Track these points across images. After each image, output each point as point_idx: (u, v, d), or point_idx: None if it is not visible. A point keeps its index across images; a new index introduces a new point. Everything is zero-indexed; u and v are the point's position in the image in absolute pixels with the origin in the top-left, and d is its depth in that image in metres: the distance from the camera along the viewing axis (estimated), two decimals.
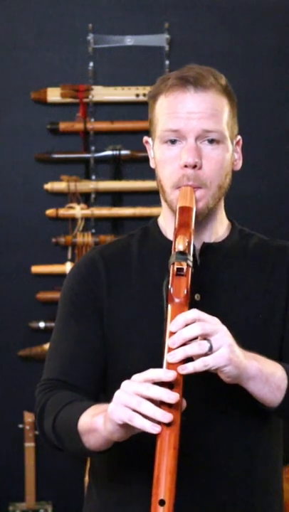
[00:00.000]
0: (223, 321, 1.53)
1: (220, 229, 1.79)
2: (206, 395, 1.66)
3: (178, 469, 1.40)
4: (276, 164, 3.79)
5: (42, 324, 3.68)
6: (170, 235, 1.77)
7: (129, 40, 3.70)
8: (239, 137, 1.78)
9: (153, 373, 1.43)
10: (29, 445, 3.69)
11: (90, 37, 3.67)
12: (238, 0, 3.74)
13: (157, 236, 1.80)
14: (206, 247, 1.75)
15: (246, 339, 1.56)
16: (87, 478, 3.31)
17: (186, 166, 1.68)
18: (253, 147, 3.62)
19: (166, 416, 1.39)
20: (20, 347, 3.71)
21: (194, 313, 1.48)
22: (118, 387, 1.49)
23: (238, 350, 1.51)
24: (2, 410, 3.77)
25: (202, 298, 1.68)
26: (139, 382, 1.43)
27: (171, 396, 1.40)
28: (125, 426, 1.44)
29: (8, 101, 3.72)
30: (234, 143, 1.75)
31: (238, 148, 1.78)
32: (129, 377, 1.50)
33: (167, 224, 1.78)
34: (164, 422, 1.39)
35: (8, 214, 3.74)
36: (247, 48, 3.76)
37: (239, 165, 1.78)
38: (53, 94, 3.67)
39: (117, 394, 1.44)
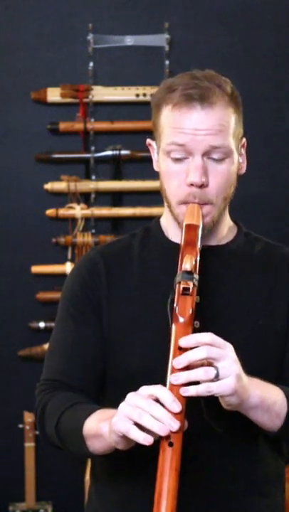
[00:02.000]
0: (221, 324, 1.53)
1: (224, 231, 1.78)
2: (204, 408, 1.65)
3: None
4: (277, 164, 3.79)
5: (42, 324, 3.68)
6: (172, 236, 1.77)
7: (129, 40, 3.69)
8: (244, 140, 1.76)
9: (160, 392, 1.43)
10: (29, 445, 3.69)
11: (90, 37, 3.67)
12: (238, 0, 3.73)
13: (159, 236, 1.80)
14: (207, 250, 1.74)
15: (244, 344, 1.55)
16: (87, 478, 3.31)
17: (192, 185, 1.66)
18: (253, 147, 3.60)
19: (163, 429, 1.39)
20: (20, 347, 3.70)
21: (207, 336, 1.47)
22: (118, 388, 1.50)
23: (244, 379, 1.50)
24: (2, 410, 3.77)
25: (201, 300, 1.68)
26: (143, 397, 1.43)
27: (174, 426, 1.40)
28: (126, 437, 1.45)
29: (8, 101, 3.72)
30: (239, 147, 1.74)
31: (243, 151, 1.76)
32: (128, 378, 1.50)
33: (169, 224, 1.78)
34: (160, 434, 1.39)
35: (8, 214, 3.74)
36: (247, 48, 3.75)
37: (244, 169, 1.77)
38: (53, 94, 3.67)
39: (121, 406, 1.45)
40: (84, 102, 3.68)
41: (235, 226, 1.82)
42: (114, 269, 1.77)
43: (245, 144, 1.78)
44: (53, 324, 1.86)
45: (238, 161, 1.73)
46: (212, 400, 1.53)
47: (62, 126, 3.69)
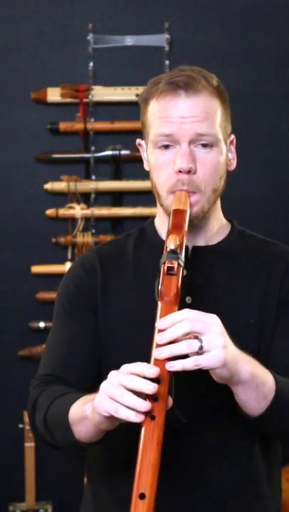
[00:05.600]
0: None
1: (215, 230, 1.79)
2: (203, 398, 1.66)
3: (171, 473, 1.39)
4: (276, 164, 3.79)
5: (42, 324, 3.68)
6: (164, 236, 1.77)
7: (129, 40, 3.70)
8: (233, 136, 1.77)
9: (138, 367, 1.42)
10: (29, 445, 3.69)
11: (90, 37, 3.67)
12: (238, 0, 3.74)
13: (152, 236, 1.81)
14: (198, 250, 1.75)
15: (236, 342, 1.54)
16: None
17: (180, 172, 1.67)
18: (252, 147, 3.62)
19: (143, 405, 1.38)
20: (20, 347, 3.71)
21: (184, 313, 1.46)
22: None
23: (234, 351, 1.49)
24: (2, 410, 3.77)
25: (193, 300, 1.68)
26: (125, 374, 1.42)
27: (149, 387, 1.39)
28: (112, 417, 1.44)
29: (8, 101, 3.72)
30: (228, 143, 1.75)
31: (232, 148, 1.77)
32: None
33: (162, 225, 1.79)
34: (141, 411, 1.38)
35: (8, 214, 3.74)
36: (247, 48, 3.76)
37: (234, 165, 1.78)
38: (53, 94, 3.67)
39: (103, 385, 1.44)
40: (84, 102, 3.68)
41: (229, 225, 1.83)
42: (109, 268, 1.79)
43: (235, 142, 1.78)
44: (50, 329, 1.87)
45: (226, 154, 1.74)
46: (180, 388, 1.53)
47: (63, 126, 3.69)
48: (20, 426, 3.70)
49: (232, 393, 1.57)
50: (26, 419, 3.66)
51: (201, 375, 1.51)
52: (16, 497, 3.77)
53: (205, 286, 1.72)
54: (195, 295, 1.67)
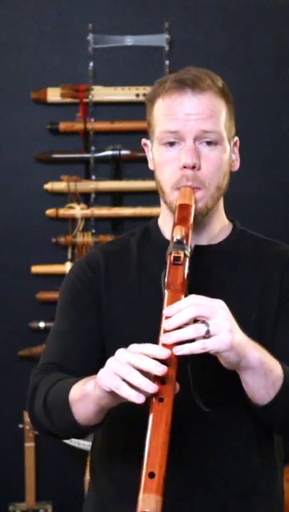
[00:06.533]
0: None
1: (218, 230, 1.81)
2: (208, 386, 1.66)
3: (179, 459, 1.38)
4: (276, 164, 3.79)
5: (42, 324, 3.69)
6: (168, 235, 1.78)
7: (129, 40, 3.70)
8: (236, 138, 1.80)
9: (149, 348, 1.42)
10: (29, 445, 3.69)
11: (90, 37, 3.67)
12: (238, 0, 3.74)
13: (156, 235, 1.83)
14: (200, 249, 1.77)
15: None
16: (87, 478, 3.32)
17: (185, 167, 1.70)
18: (253, 147, 3.62)
19: (150, 386, 1.38)
20: (21, 347, 3.71)
21: (190, 299, 1.47)
22: None
23: (240, 336, 1.50)
24: (2, 410, 3.77)
25: None
26: (134, 353, 1.42)
27: (159, 368, 1.39)
28: (113, 393, 1.44)
29: (8, 101, 3.72)
30: (231, 144, 1.77)
31: (236, 149, 1.80)
32: None
33: (165, 224, 1.81)
34: (148, 392, 1.38)
35: (8, 214, 3.75)
36: (247, 48, 3.76)
37: (237, 166, 1.80)
38: (53, 94, 3.67)
39: (110, 361, 1.44)
40: (84, 102, 3.68)
41: (231, 225, 1.85)
42: (113, 265, 1.81)
43: (238, 143, 1.81)
44: (52, 324, 1.88)
45: (230, 154, 1.76)
46: (200, 377, 1.52)
47: (62, 126, 3.70)
48: (20, 426, 3.70)
49: (236, 386, 1.58)
50: (26, 419, 3.67)
51: (207, 367, 1.52)
52: (16, 497, 3.77)
53: (206, 284, 1.73)
54: (196, 293, 1.68)
